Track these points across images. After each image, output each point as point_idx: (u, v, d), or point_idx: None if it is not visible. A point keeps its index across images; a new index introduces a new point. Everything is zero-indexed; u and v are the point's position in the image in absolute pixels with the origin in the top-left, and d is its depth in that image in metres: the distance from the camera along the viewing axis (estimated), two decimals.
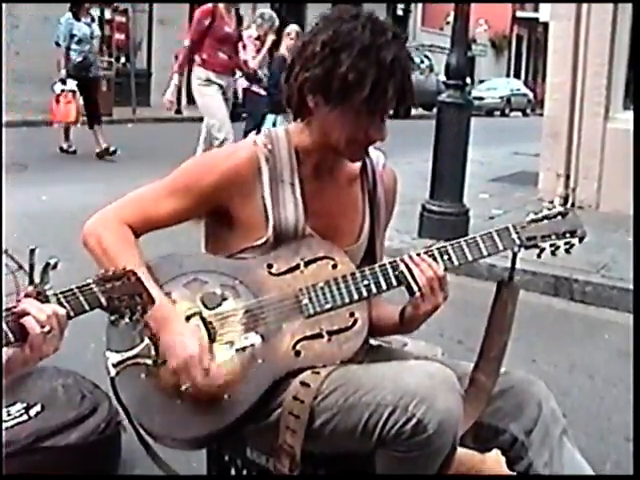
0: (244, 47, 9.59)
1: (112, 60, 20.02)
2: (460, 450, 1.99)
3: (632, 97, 8.28)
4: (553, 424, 2.05)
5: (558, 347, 4.69)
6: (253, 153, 2.06)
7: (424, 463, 1.86)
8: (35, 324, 1.54)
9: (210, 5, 8.55)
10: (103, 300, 1.64)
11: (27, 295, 1.60)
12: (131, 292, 1.69)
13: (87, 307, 1.63)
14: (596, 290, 5.70)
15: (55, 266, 1.63)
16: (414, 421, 1.79)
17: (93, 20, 11.64)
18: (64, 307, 1.60)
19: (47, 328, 1.55)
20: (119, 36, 21.62)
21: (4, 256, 3.05)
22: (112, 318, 1.69)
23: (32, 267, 1.66)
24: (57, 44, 11.14)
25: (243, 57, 9.45)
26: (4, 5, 16.59)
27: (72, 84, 11.16)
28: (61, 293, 1.61)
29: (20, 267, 2.88)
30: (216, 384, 1.93)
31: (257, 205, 2.05)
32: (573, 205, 8.04)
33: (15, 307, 1.56)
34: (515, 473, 2.09)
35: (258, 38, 9.91)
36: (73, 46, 11.12)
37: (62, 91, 11.15)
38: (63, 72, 11.12)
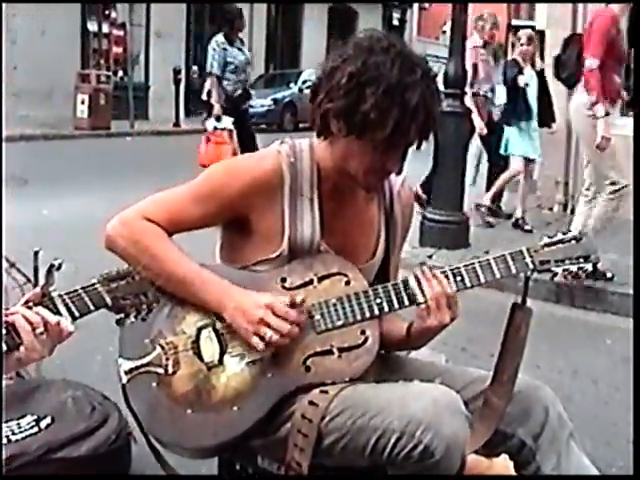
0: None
1: (110, 74, 20.06)
2: (468, 456, 2.02)
3: (629, 104, 8.28)
4: (560, 428, 2.08)
5: (561, 353, 4.72)
6: (277, 163, 2.06)
7: None
8: (25, 323, 1.58)
9: (610, 7, 5.78)
10: (108, 300, 1.65)
11: (33, 296, 1.63)
12: (136, 291, 1.69)
13: (92, 307, 1.64)
14: (597, 296, 5.72)
15: (59, 267, 1.65)
16: (421, 447, 1.82)
17: (243, 43, 9.62)
18: (69, 308, 1.62)
19: (40, 330, 1.58)
20: (117, 49, 21.68)
21: (5, 268, 3.06)
22: (117, 318, 1.70)
23: (36, 269, 1.69)
24: (209, 73, 9.17)
25: None
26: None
27: (227, 121, 9.14)
28: (66, 294, 1.63)
29: (28, 280, 2.90)
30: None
31: (276, 216, 2.05)
32: (572, 212, 8.07)
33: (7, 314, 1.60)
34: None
35: (484, 46, 8.32)
36: (227, 75, 9.11)
37: (215, 129, 9.17)
38: (217, 107, 9.05)
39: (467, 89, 7.82)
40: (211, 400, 1.99)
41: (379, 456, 1.88)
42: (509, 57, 8.39)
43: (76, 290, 1.63)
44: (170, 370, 2.00)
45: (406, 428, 1.83)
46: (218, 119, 9.13)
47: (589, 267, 2.12)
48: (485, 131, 8.04)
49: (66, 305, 1.62)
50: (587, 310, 5.70)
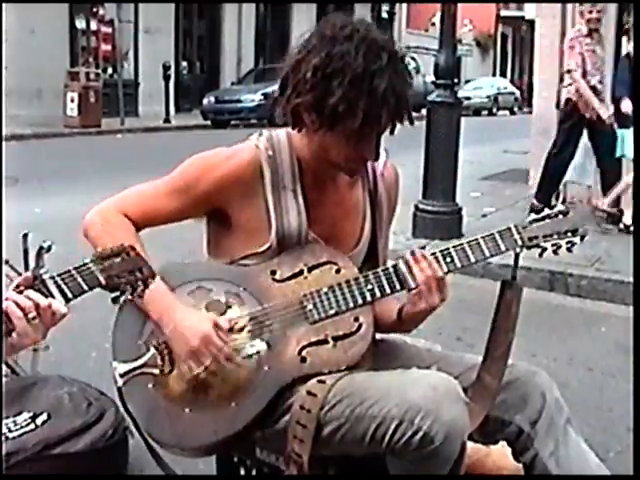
0: (571, 48, 7.44)
1: (99, 71, 20.00)
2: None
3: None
4: (557, 414, 2.08)
5: (556, 341, 4.72)
6: (255, 156, 2.05)
7: (434, 470, 1.89)
8: (16, 309, 1.55)
9: None
10: (102, 279, 1.61)
11: (24, 280, 1.59)
12: (130, 268, 1.65)
13: (86, 287, 1.60)
14: (591, 284, 5.73)
15: (49, 249, 1.61)
16: (421, 434, 1.81)
17: None
18: (62, 290, 1.58)
19: (32, 314, 1.55)
20: (105, 47, 21.61)
21: (4, 266, 3.05)
22: (113, 296, 1.65)
23: (26, 252, 1.64)
24: None
25: (568, 65, 7.46)
26: None
27: None
28: (58, 276, 1.59)
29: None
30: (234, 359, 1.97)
31: (258, 209, 2.05)
32: (564, 201, 8.08)
33: None
34: (521, 464, 2.11)
35: (590, 34, 7.45)
36: None
37: None
38: None
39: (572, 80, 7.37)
40: (208, 398, 1.98)
41: (378, 444, 1.87)
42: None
43: (69, 271, 1.59)
44: (165, 370, 1.99)
45: (405, 415, 1.83)
46: None
47: (577, 240, 2.10)
48: (612, 119, 7.28)
49: (59, 287, 1.58)
50: (582, 298, 5.69)
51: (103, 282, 1.62)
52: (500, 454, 2.28)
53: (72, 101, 17.97)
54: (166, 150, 11.93)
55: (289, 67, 1.98)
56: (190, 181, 2.06)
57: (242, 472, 2.20)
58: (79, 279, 1.59)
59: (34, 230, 6.64)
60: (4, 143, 13.96)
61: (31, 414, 2.67)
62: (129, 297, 1.67)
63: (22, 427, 2.62)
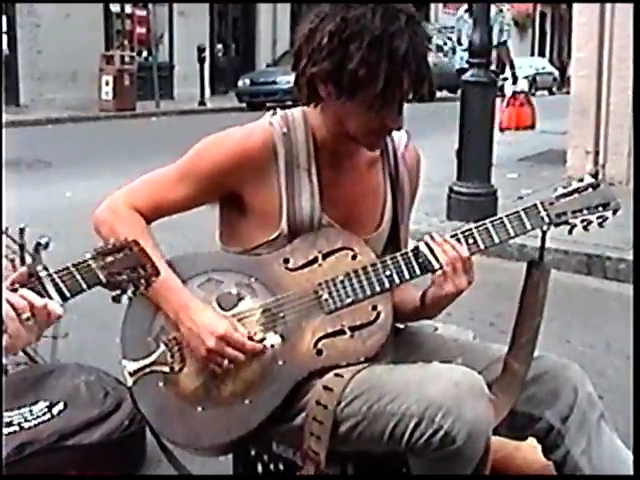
0: None
1: (134, 54, 20.02)
2: (493, 438, 1.91)
3: None
4: (590, 409, 1.97)
5: (593, 327, 4.59)
6: (269, 135, 1.95)
7: (456, 470, 1.80)
8: (10, 309, 1.44)
9: None
10: (102, 277, 1.51)
11: (19, 277, 1.49)
12: (133, 264, 1.56)
13: (85, 286, 1.50)
14: (630, 267, 5.56)
15: (47, 245, 1.53)
16: (442, 433, 1.72)
17: None
18: (59, 288, 1.48)
19: (26, 315, 1.44)
20: (140, 30, 21.64)
21: (4, 237, 2.97)
22: (113, 294, 1.55)
23: (22, 247, 1.57)
24: (499, 44, 9.51)
25: None
26: (25, 4, 16.71)
27: (524, 83, 10.11)
28: (56, 272, 1.49)
29: (45, 268, 2.83)
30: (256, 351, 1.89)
31: (272, 191, 1.95)
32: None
33: None
34: (551, 462, 2.01)
35: None
36: None
37: (514, 93, 10.02)
38: (509, 72, 9.78)
39: None
40: (221, 395, 1.91)
41: (397, 443, 1.78)
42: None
43: (67, 268, 1.49)
44: (176, 368, 1.93)
45: (425, 413, 1.73)
46: (515, 82, 9.82)
47: (609, 215, 1.96)
48: None
49: (56, 285, 1.48)
50: (620, 282, 5.54)
51: (103, 280, 1.53)
52: (530, 448, 2.18)
53: (107, 84, 18.01)
54: (201, 133, 11.86)
55: (302, 38, 1.88)
56: (201, 165, 1.98)
57: (259, 468, 2.13)
58: (78, 277, 1.50)
59: (63, 213, 6.63)
60: (40, 127, 14.08)
61: (47, 403, 2.64)
62: (130, 296, 1.57)
63: (38, 417, 2.59)
